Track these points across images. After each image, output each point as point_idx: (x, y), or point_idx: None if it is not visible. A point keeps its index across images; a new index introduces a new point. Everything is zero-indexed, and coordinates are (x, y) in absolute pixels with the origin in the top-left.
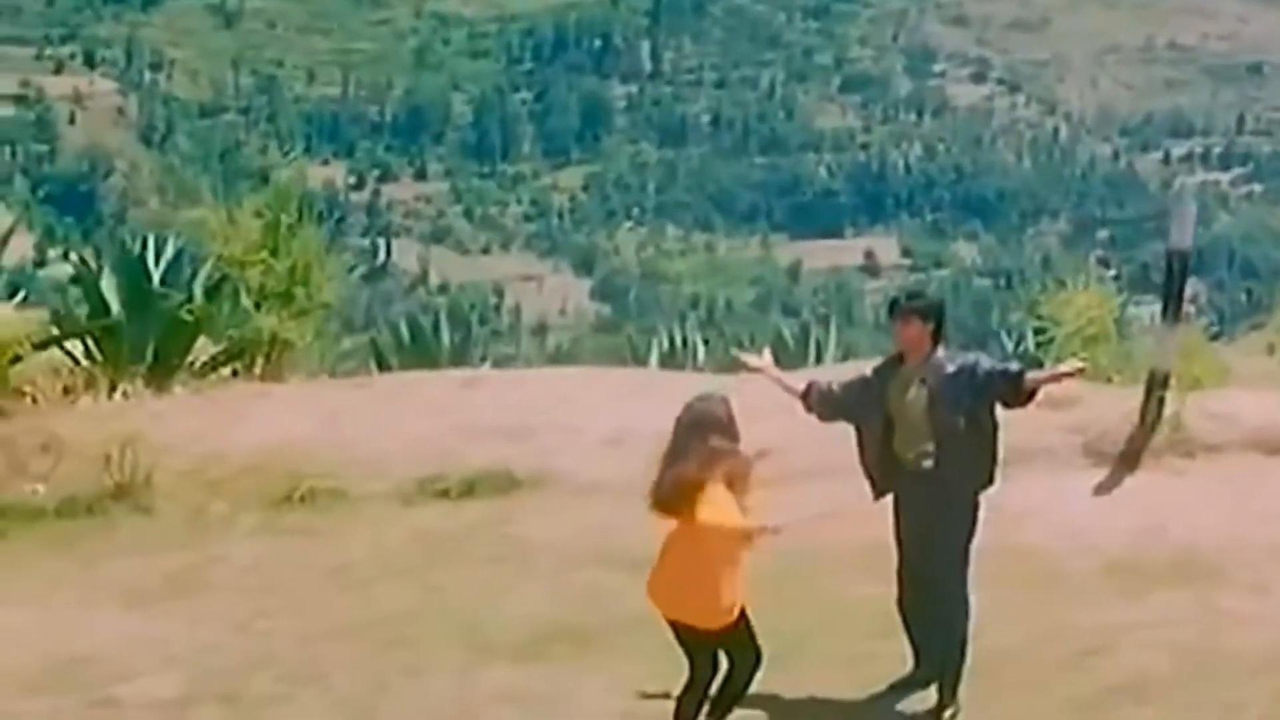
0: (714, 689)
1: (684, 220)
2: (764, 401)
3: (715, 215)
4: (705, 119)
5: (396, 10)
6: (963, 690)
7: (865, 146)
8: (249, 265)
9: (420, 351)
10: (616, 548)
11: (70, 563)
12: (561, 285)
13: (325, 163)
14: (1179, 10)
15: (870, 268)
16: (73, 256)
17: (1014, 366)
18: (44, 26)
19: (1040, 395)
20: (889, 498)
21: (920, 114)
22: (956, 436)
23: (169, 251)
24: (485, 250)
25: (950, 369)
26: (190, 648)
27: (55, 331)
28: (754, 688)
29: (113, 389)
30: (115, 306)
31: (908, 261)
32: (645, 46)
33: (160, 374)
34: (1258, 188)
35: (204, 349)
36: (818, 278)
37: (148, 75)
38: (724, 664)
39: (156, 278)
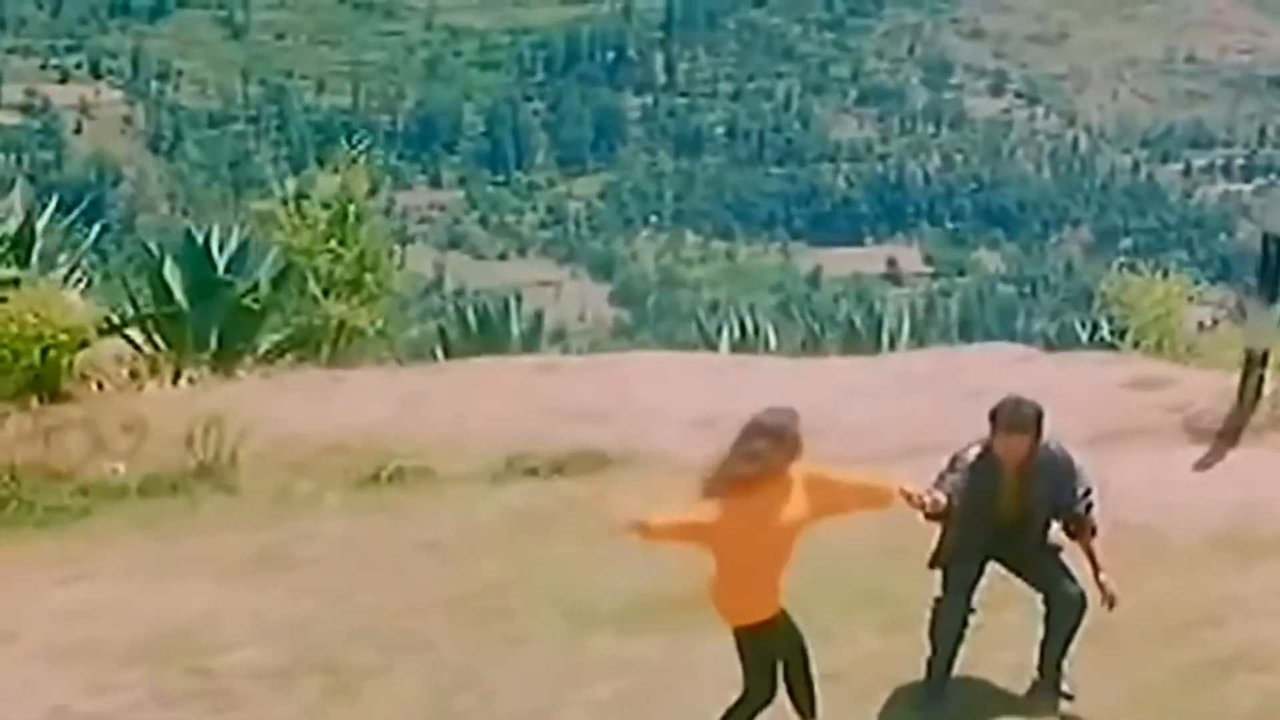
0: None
1: (703, 227)
2: (862, 382)
3: (734, 223)
4: (720, 130)
5: (407, 22)
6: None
7: (883, 157)
8: (317, 253)
9: (489, 340)
10: None
11: (156, 539)
12: (580, 291)
13: (335, 171)
14: (1197, 24)
15: (893, 275)
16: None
17: (1086, 510)
18: (49, 38)
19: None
20: None
21: (938, 126)
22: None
23: (233, 242)
24: (502, 256)
25: (1051, 481)
26: (286, 620)
27: (119, 319)
28: (872, 653)
29: (178, 376)
30: (179, 295)
31: (930, 269)
32: (659, 59)
33: (225, 361)
34: None
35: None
36: (839, 285)
37: (155, 85)
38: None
39: (221, 266)
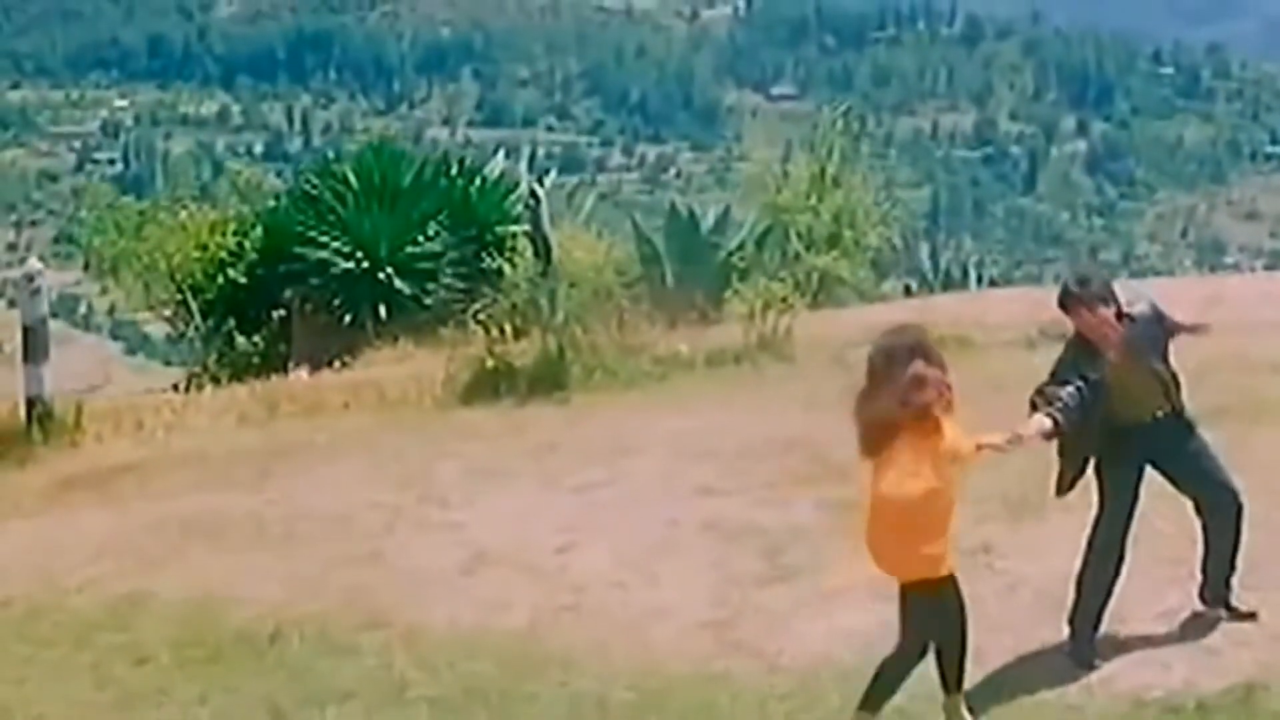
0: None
1: None
2: None
3: None
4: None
5: None
6: None
7: None
8: (797, 211)
9: None
10: (1257, 357)
11: (734, 389)
12: None
13: None
14: None
15: None
16: None
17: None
18: None
19: None
20: None
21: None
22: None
23: (712, 211)
24: None
25: (1145, 335)
26: None
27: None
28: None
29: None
30: (666, 259)
31: None
32: (924, 247)
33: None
34: None
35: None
36: None
37: None
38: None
39: (705, 231)
